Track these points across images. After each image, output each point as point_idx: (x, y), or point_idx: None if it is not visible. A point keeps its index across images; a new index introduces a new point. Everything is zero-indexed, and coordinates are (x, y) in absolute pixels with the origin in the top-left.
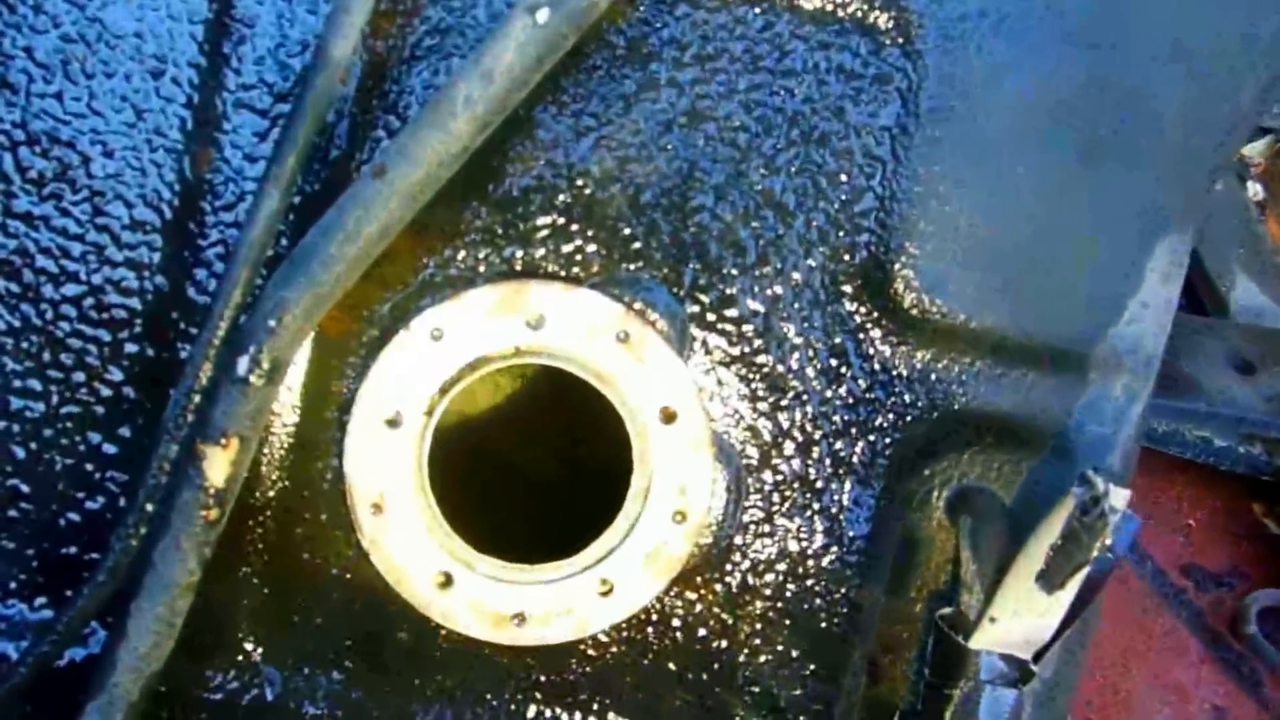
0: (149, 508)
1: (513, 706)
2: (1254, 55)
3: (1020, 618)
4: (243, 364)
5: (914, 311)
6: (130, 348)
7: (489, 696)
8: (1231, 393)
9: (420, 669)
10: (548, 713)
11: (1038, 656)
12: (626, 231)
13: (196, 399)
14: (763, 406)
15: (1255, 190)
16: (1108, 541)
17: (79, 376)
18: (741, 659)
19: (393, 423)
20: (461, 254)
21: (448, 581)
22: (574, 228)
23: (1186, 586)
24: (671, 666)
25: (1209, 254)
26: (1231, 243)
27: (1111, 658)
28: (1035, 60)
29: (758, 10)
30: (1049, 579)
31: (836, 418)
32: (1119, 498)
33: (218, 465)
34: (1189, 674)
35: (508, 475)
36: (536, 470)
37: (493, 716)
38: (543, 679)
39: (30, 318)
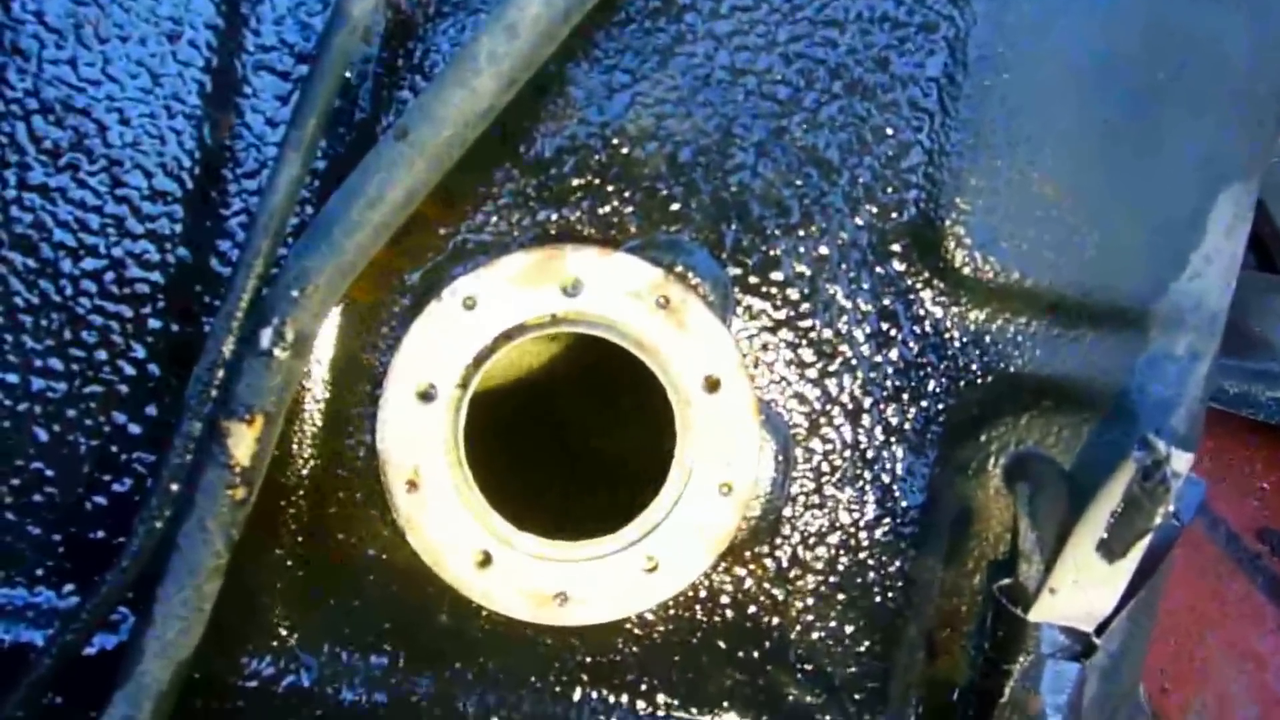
0: (173, 488)
1: (557, 689)
2: None
3: (1081, 588)
4: (266, 337)
5: (966, 270)
6: (153, 323)
7: (533, 679)
8: None
9: (461, 652)
10: (594, 695)
11: (1100, 629)
12: (665, 192)
13: (220, 374)
14: (810, 373)
15: None
16: (1170, 508)
17: (101, 354)
18: (793, 636)
19: (426, 396)
20: (494, 218)
21: (487, 560)
22: (610, 189)
23: (1262, 551)
24: (721, 645)
25: (1278, 209)
26: None
27: (1186, 625)
28: (1089, 3)
29: None
30: (1110, 547)
31: (887, 383)
32: (1182, 461)
33: (243, 443)
34: (1266, 641)
35: (548, 448)
36: (577, 442)
37: (536, 700)
38: (588, 660)
39: (50, 294)
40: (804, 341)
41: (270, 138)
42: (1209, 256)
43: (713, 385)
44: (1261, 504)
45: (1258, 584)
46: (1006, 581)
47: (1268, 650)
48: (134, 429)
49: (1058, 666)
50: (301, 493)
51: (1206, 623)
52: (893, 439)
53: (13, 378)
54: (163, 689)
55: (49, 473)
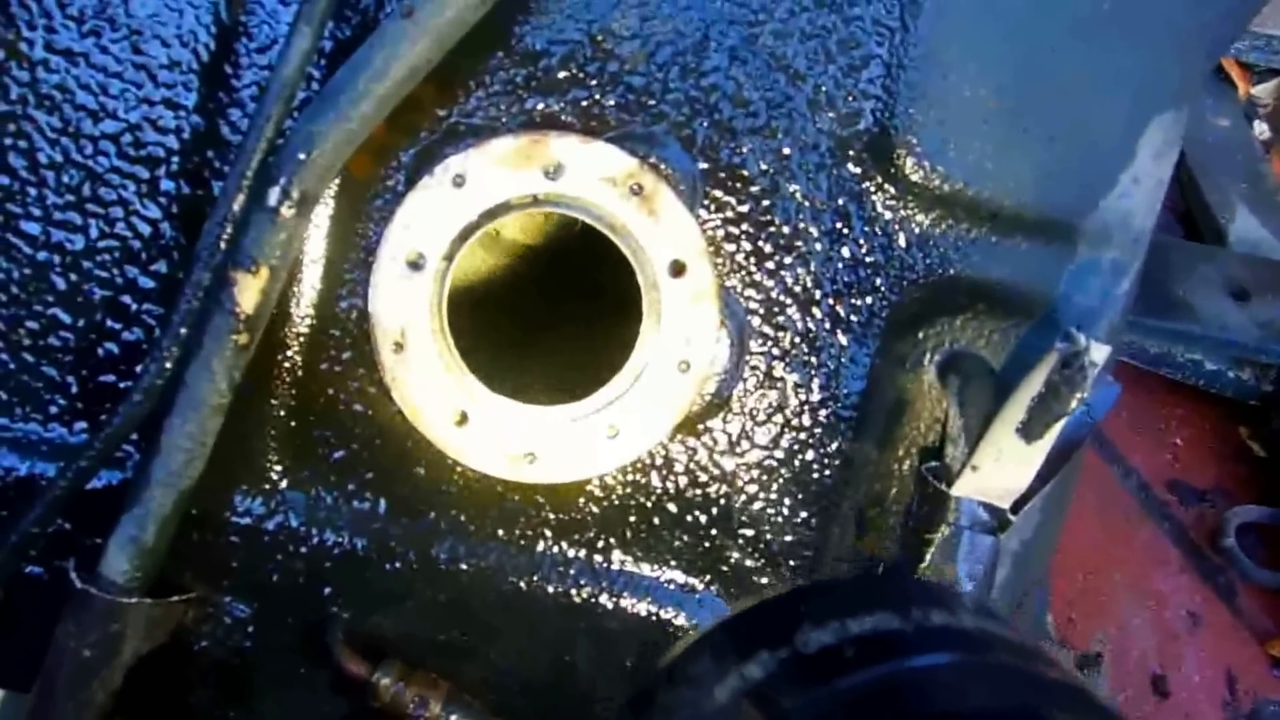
0: (182, 332)
1: (522, 542)
2: None
3: (1001, 466)
4: (274, 195)
5: (915, 177)
6: (166, 185)
7: (500, 532)
8: (1225, 318)
9: (436, 503)
10: (555, 549)
11: (1016, 507)
12: (644, 89)
13: (229, 229)
14: (768, 264)
15: (1262, 130)
16: (1085, 395)
17: (117, 212)
18: (738, 505)
19: (415, 265)
20: (485, 104)
21: (464, 419)
22: (593, 83)
23: (1170, 501)
24: (672, 509)
25: (1211, 188)
26: (1235, 178)
27: (1095, 563)
28: None
29: None
30: (1029, 429)
31: (838, 278)
32: (1099, 353)
33: (248, 292)
34: (1168, 582)
35: (528, 321)
36: (554, 317)
37: (503, 550)
38: (551, 517)
39: (71, 152)
40: (763, 234)
41: (282, 15)
42: (1137, 178)
43: (678, 269)
44: (1174, 458)
45: (1164, 530)
46: (934, 463)
47: (1168, 590)
48: (145, 282)
49: (974, 539)
50: (296, 349)
51: (1114, 563)
52: (839, 329)
53: (35, 229)
54: (166, 514)
55: (65, 319)
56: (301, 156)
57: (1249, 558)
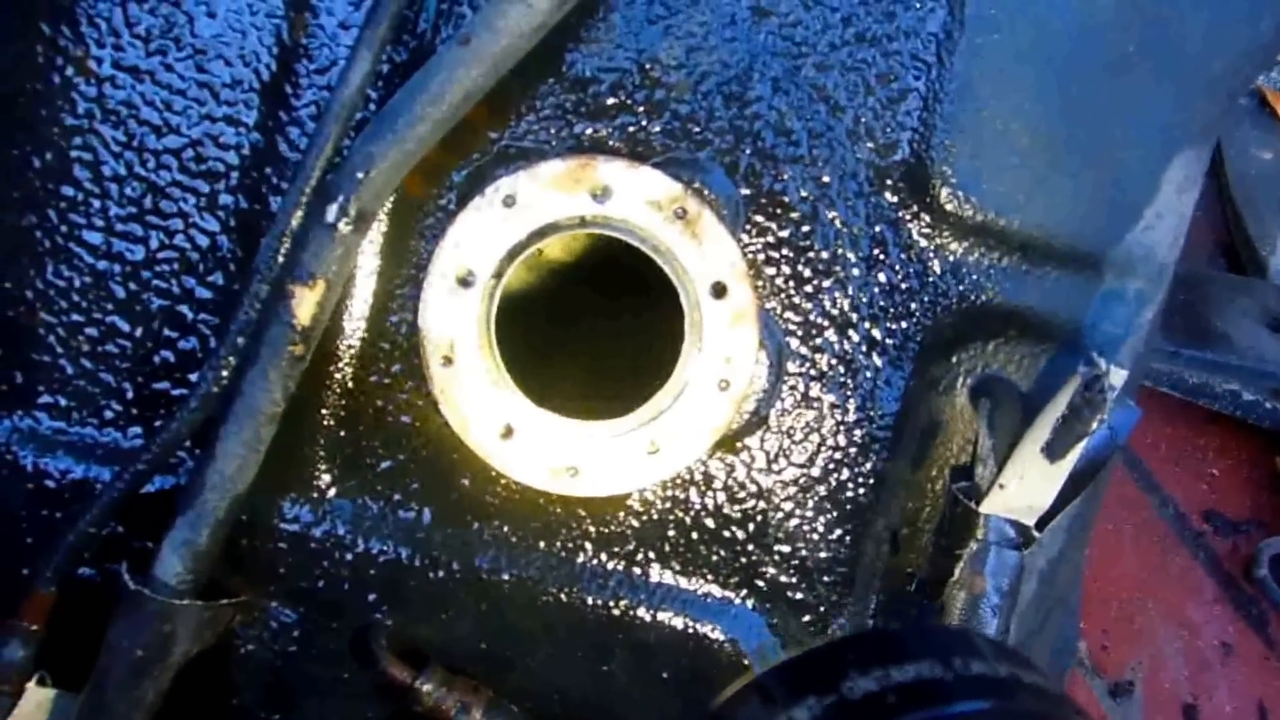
0: (240, 341)
1: (563, 554)
2: None
3: (1026, 485)
4: (332, 211)
5: (949, 207)
6: (225, 199)
7: (541, 544)
8: (1262, 349)
9: (480, 514)
10: (594, 561)
11: (1040, 524)
12: (689, 116)
13: (287, 244)
14: (807, 288)
15: None
16: (1106, 416)
17: (177, 224)
18: (774, 521)
19: (464, 281)
20: (535, 128)
21: (509, 433)
22: (641, 109)
23: (1206, 530)
24: (710, 524)
25: (1253, 220)
26: (1277, 211)
27: (1130, 591)
28: None
29: None
30: (1053, 449)
31: (874, 302)
32: (1118, 376)
33: (305, 304)
34: (1201, 611)
35: (573, 338)
36: (600, 335)
37: (544, 561)
38: (592, 529)
39: (134, 165)
40: (803, 259)
41: (342, 39)
42: (1160, 212)
43: (719, 291)
44: (1210, 488)
45: (1199, 559)
46: (965, 483)
47: (1201, 619)
48: (202, 293)
49: (1001, 554)
50: (347, 361)
51: (1149, 591)
52: (875, 352)
53: (97, 239)
54: (219, 518)
55: (123, 327)
56: (359, 175)
57: None
